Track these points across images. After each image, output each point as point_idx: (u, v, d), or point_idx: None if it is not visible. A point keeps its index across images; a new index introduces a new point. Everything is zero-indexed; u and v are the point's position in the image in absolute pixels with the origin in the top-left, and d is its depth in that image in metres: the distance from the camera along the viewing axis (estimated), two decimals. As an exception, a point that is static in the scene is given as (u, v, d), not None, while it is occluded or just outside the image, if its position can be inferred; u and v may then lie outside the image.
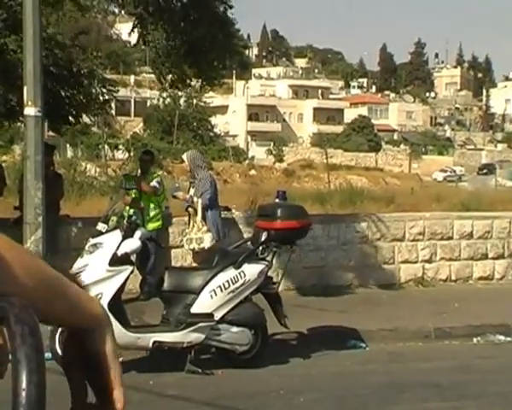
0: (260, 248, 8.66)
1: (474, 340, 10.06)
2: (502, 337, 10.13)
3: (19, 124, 16.40)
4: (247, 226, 12.01)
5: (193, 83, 14.53)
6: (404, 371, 8.61)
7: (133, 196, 11.56)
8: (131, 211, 10.74)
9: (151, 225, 11.44)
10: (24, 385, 0.96)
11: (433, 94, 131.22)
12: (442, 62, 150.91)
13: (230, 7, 13.20)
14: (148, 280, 10.71)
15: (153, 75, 14.56)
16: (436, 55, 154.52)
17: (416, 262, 13.51)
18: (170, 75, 14.13)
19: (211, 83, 14.80)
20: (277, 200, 9.46)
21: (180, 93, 47.82)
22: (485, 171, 68.51)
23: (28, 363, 0.98)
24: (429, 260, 13.58)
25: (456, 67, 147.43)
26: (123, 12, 14.18)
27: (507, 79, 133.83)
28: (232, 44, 14.35)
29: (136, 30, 13.24)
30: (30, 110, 9.23)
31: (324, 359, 8.95)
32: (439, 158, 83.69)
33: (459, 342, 9.94)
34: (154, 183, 11.83)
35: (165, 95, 63.98)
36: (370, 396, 7.74)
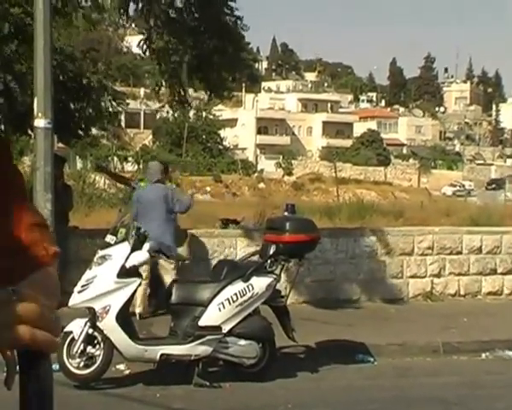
0: (269, 261, 8.64)
1: (483, 355, 10.01)
2: (511, 353, 10.08)
3: (27, 136, 16.46)
4: (255, 239, 12.00)
5: (195, 98, 14.56)
6: (412, 386, 8.58)
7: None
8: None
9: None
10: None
11: (442, 109, 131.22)
12: (452, 77, 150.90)
13: (240, 19, 13.21)
14: (157, 293, 10.70)
15: (163, 88, 14.54)
16: (446, 70, 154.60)
17: (424, 277, 13.47)
18: (165, 89, 14.15)
19: (220, 96, 14.82)
20: (286, 213, 9.44)
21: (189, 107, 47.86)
22: (493, 186, 68.37)
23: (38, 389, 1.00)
24: (438, 275, 13.54)
25: (465, 81, 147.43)
26: (133, 25, 14.23)
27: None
28: (242, 58, 14.38)
29: (144, 43, 13.27)
30: (40, 122, 9.26)
31: (332, 373, 8.92)
32: (448, 173, 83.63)
33: (467, 357, 9.89)
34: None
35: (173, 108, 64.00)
36: (378, 411, 7.71)
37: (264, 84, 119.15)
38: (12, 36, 13.27)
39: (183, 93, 13.80)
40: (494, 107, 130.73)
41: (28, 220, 1.18)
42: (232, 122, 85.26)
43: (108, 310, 7.95)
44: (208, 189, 48.02)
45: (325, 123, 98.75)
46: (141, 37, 13.63)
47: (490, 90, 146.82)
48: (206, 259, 12.18)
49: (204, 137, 70.39)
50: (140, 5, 12.68)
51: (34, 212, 1.24)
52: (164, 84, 14.30)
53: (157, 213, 10.77)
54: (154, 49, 13.29)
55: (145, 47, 13.29)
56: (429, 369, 9.36)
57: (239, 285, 8.37)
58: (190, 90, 14.63)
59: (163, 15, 12.68)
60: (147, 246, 8.44)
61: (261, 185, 50.87)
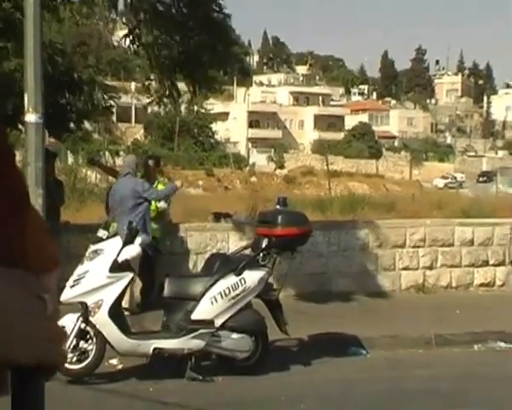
0: (261, 254, 8.65)
1: (475, 347, 10.04)
2: (503, 344, 10.12)
3: (17, 131, 16.41)
4: (247, 233, 12.00)
5: (187, 92, 14.51)
6: (405, 378, 8.59)
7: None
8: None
9: (152, 232, 11.42)
10: None
11: (433, 101, 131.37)
12: (443, 69, 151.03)
13: (228, 16, 13.18)
14: (149, 287, 10.70)
15: (153, 83, 14.50)
16: (437, 62, 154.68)
17: (416, 269, 13.50)
18: (156, 85, 14.13)
19: (209, 90, 14.79)
20: (278, 206, 9.43)
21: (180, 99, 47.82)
22: (484, 179, 68.52)
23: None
24: (430, 267, 13.56)
25: (456, 73, 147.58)
26: (124, 19, 14.19)
27: (508, 86, 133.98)
28: (231, 53, 14.34)
29: (133, 38, 13.22)
30: (31, 117, 9.23)
31: (325, 366, 8.94)
32: (439, 165, 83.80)
33: (460, 349, 9.92)
34: (162, 204, 11.69)
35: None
36: (371, 403, 7.73)
37: (256, 78, 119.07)
38: (1, 32, 13.22)
39: (172, 88, 13.77)
40: (485, 99, 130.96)
41: (32, 226, 1.16)
42: (224, 116, 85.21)
43: (101, 305, 7.94)
44: (200, 183, 48.02)
45: (317, 116, 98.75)
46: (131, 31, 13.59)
47: (481, 82, 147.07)
48: (198, 252, 12.18)
49: (196, 130, 70.35)
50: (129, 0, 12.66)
51: (37, 217, 1.22)
52: (153, 78, 14.27)
53: (127, 205, 10.79)
54: (143, 44, 13.26)
55: (133, 41, 13.25)
56: (422, 361, 9.38)
57: (231, 279, 8.37)
58: (181, 85, 14.58)
59: (151, 10, 12.65)
60: (139, 240, 8.44)
61: (253, 179, 50.87)
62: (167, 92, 13.79)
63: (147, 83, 15.03)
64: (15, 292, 0.94)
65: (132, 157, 12.46)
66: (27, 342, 0.96)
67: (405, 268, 13.44)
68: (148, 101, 16.63)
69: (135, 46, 13.27)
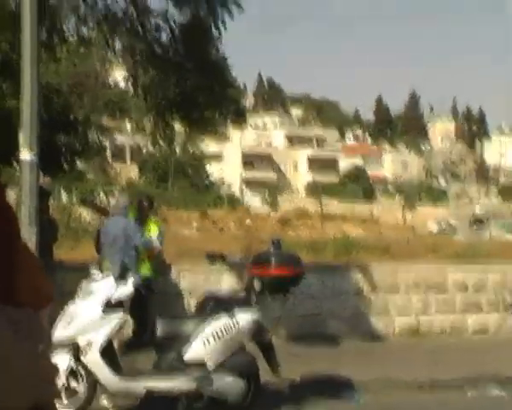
0: (254, 296, 8.62)
1: (469, 394, 9.98)
2: (497, 391, 10.07)
3: (11, 168, 16.44)
4: (241, 274, 11.97)
5: (181, 133, 14.57)
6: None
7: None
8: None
9: (145, 272, 11.39)
10: None
11: (428, 147, 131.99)
12: (438, 116, 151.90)
13: (225, 58, 13.28)
14: (142, 327, 10.64)
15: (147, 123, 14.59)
16: (431, 109, 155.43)
17: (410, 314, 13.46)
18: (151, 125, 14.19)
19: (204, 131, 14.87)
20: (272, 248, 9.42)
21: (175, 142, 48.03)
22: (475, 227, 68.06)
23: None
24: (424, 312, 13.52)
25: (450, 120, 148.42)
26: (120, 60, 14.28)
27: (501, 131, 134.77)
28: (227, 95, 14.42)
29: (129, 79, 13.31)
30: (26, 155, 9.25)
31: (317, 408, 8.87)
32: (433, 210, 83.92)
33: (454, 393, 9.86)
34: (157, 244, 11.73)
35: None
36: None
37: (251, 121, 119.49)
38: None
39: (167, 128, 13.83)
40: (479, 144, 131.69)
41: (24, 262, 1.15)
42: (218, 157, 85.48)
43: (92, 344, 7.89)
44: (195, 224, 47.96)
45: (311, 159, 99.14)
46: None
47: (474, 127, 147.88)
48: (191, 292, 12.14)
49: (190, 171, 70.49)
50: (125, 40, 12.74)
51: (29, 253, 1.21)
52: (150, 119, 14.34)
53: (119, 244, 10.85)
54: (140, 84, 13.33)
55: (130, 82, 13.33)
56: (416, 405, 9.32)
57: (224, 320, 8.33)
58: (176, 126, 14.64)
59: (148, 51, 12.74)
60: (131, 280, 8.40)
61: (248, 221, 50.88)
62: (162, 133, 13.85)
63: (141, 124, 15.13)
64: (3, 335, 0.92)
65: (124, 197, 12.52)
66: (22, 386, 0.93)
67: (399, 313, 13.40)
68: (143, 141, 16.71)
69: (132, 86, 13.35)
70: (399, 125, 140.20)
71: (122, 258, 10.77)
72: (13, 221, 1.14)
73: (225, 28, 12.81)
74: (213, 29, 12.84)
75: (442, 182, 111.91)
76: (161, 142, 14.42)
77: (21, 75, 9.34)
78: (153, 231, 11.77)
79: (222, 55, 13.21)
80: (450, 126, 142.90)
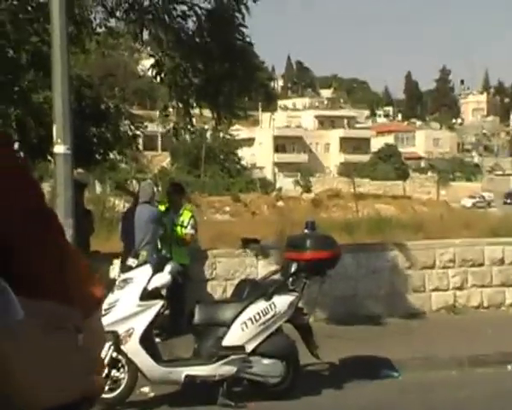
0: (290, 279, 8.66)
1: (509, 367, 9.95)
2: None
3: (46, 162, 16.60)
4: (276, 258, 12.00)
5: (212, 119, 14.58)
6: (438, 400, 8.53)
7: (163, 230, 11.59)
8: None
9: (180, 260, 11.46)
10: None
11: (459, 120, 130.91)
12: (468, 89, 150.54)
13: (251, 44, 13.27)
14: (179, 315, 10.72)
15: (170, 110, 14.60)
16: (462, 82, 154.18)
17: (446, 290, 13.42)
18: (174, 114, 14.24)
19: (233, 117, 14.86)
20: (306, 230, 9.43)
21: (206, 126, 48.10)
22: (509, 201, 67.30)
23: None
24: (460, 288, 13.48)
25: (482, 92, 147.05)
26: (148, 48, 14.33)
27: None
28: (254, 79, 14.41)
29: (155, 67, 13.35)
30: (59, 148, 9.33)
31: (357, 389, 8.89)
32: (467, 184, 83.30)
33: (493, 369, 9.83)
34: (190, 230, 11.76)
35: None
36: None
37: (281, 103, 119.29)
38: (29, 65, 13.40)
39: (188, 117, 13.87)
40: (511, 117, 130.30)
41: (79, 260, 1.15)
42: (249, 141, 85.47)
43: (132, 333, 7.97)
44: (227, 208, 48.07)
45: (342, 139, 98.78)
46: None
47: (507, 100, 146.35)
48: (227, 278, 12.20)
49: (222, 157, 70.58)
50: (153, 29, 12.77)
51: (74, 251, 1.22)
52: (172, 106, 14.37)
53: (141, 233, 10.91)
54: (167, 72, 13.37)
55: (158, 70, 13.37)
56: (455, 382, 9.31)
57: (261, 304, 8.38)
58: (207, 111, 14.67)
59: (174, 39, 12.76)
60: (168, 268, 8.46)
61: (280, 203, 50.83)
62: (184, 121, 13.90)
63: (164, 112, 15.16)
64: (33, 328, 0.92)
65: (148, 185, 12.57)
66: (63, 380, 0.95)
67: (435, 289, 13.36)
68: (166, 129, 16.79)
69: (159, 75, 13.39)
70: (430, 101, 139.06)
71: (151, 246, 10.86)
72: (53, 225, 1.14)
73: (249, 12, 12.80)
74: (238, 14, 12.83)
75: (475, 156, 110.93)
76: (183, 131, 14.45)
77: (52, 67, 9.41)
78: (185, 218, 11.81)
79: (247, 39, 13.20)
80: (482, 100, 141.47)
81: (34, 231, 1.06)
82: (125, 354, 7.99)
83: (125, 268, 8.58)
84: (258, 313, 8.32)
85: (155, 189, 11.96)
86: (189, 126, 14.07)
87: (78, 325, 0.98)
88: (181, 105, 13.69)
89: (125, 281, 8.24)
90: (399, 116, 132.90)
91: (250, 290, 8.57)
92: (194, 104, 13.92)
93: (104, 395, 7.81)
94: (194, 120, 14.30)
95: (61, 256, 1.08)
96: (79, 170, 14.15)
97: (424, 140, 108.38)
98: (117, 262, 10.97)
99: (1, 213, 1.02)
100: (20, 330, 0.90)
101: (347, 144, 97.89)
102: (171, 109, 14.53)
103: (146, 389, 8.53)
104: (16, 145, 14.19)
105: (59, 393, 0.94)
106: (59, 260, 1.07)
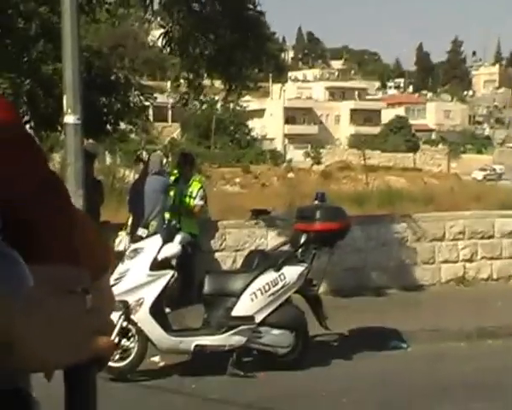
0: (300, 250, 8.67)
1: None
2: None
3: (56, 132, 16.62)
4: (286, 229, 12.01)
5: (222, 90, 14.56)
6: (446, 371, 8.56)
7: (172, 201, 11.62)
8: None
9: (189, 230, 11.48)
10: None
11: (471, 92, 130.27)
12: (480, 60, 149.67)
13: (262, 13, 13.22)
14: (189, 285, 10.76)
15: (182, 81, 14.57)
16: (474, 53, 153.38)
17: (456, 262, 13.42)
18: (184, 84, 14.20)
19: (244, 87, 14.83)
20: (316, 202, 9.43)
21: (216, 97, 48.03)
22: None
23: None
24: (470, 260, 13.48)
25: (494, 64, 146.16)
26: (159, 18, 14.28)
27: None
28: (265, 50, 14.37)
29: (166, 36, 13.32)
30: (69, 118, 9.33)
31: (366, 360, 8.93)
32: (478, 157, 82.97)
33: (502, 341, 9.84)
34: (198, 201, 11.77)
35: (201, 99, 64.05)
36: (414, 397, 7.72)
37: (291, 74, 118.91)
38: (38, 36, 13.37)
39: (199, 87, 13.85)
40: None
41: (87, 224, 1.16)
42: (260, 113, 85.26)
43: (142, 303, 8.01)
44: (237, 180, 48.06)
45: (353, 111, 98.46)
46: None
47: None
48: (237, 249, 12.23)
49: (232, 128, 70.47)
50: (163, -1, 12.74)
51: (84, 216, 1.23)
52: (183, 77, 14.35)
53: (151, 204, 10.97)
54: (177, 42, 13.34)
55: (168, 40, 13.34)
56: (464, 354, 9.34)
57: (271, 275, 8.41)
58: (217, 83, 14.67)
59: (185, 8, 12.72)
60: (178, 238, 8.49)
61: (290, 175, 50.80)
62: (194, 93, 13.89)
63: (175, 83, 15.13)
64: (44, 294, 0.93)
65: (157, 156, 12.62)
66: (74, 343, 0.95)
67: (445, 261, 13.36)
68: (176, 100, 16.75)
69: (169, 45, 13.36)
70: (441, 73, 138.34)
71: (161, 216, 10.92)
72: (62, 191, 1.15)
73: None
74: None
75: (486, 128, 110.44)
76: (195, 101, 14.44)
77: (62, 38, 9.39)
78: (194, 189, 11.83)
79: (259, 10, 13.15)
80: (494, 72, 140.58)
81: (46, 200, 1.07)
82: (135, 324, 8.04)
83: (135, 238, 8.61)
84: (268, 284, 8.35)
85: (165, 160, 12.00)
86: (200, 97, 14.06)
87: (87, 286, 0.99)
88: (191, 75, 13.68)
89: (136, 251, 8.28)
90: (410, 88, 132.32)
91: (260, 261, 8.60)
92: (205, 75, 13.90)
93: (114, 364, 7.88)
94: (204, 90, 14.29)
95: (69, 221, 1.08)
96: (90, 140, 14.15)
97: (435, 112, 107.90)
98: (122, 234, 11.02)
99: (14, 184, 1.03)
100: (30, 296, 0.91)
101: (358, 116, 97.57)
102: (182, 80, 14.50)
103: (156, 359, 8.59)
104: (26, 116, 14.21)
105: (69, 355, 0.95)
106: (68, 224, 1.07)
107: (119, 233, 10.99)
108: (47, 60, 13.61)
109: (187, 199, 11.72)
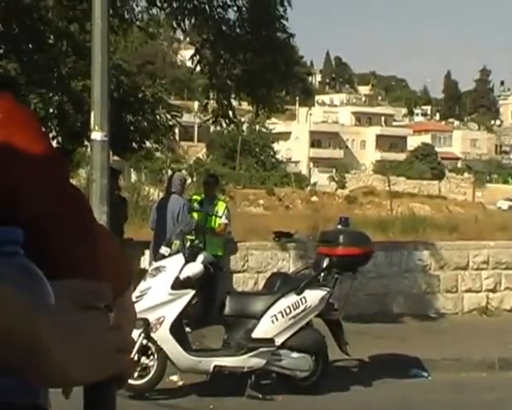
0: (322, 274, 8.64)
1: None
2: None
3: (83, 148, 16.75)
4: (308, 252, 11.99)
5: (249, 112, 14.64)
6: (467, 402, 8.48)
7: (196, 219, 11.64)
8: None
9: (214, 250, 11.48)
10: None
11: (498, 122, 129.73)
12: (508, 90, 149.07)
13: (292, 36, 13.28)
14: (210, 305, 10.75)
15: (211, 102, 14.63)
16: (502, 83, 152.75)
17: (479, 291, 13.32)
18: (213, 103, 14.26)
19: (271, 110, 14.88)
20: (340, 226, 9.41)
21: (242, 119, 48.15)
22: None
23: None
24: (493, 290, 13.37)
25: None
26: (188, 39, 14.38)
27: None
28: (293, 73, 14.41)
29: (196, 57, 13.40)
30: (96, 135, 9.37)
31: (386, 387, 8.86)
32: (503, 187, 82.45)
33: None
34: (224, 219, 11.81)
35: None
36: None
37: (318, 98, 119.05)
38: (69, 53, 13.50)
39: (229, 108, 13.90)
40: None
41: (110, 241, 1.16)
42: (285, 135, 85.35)
43: (162, 321, 8.01)
44: (261, 201, 48.10)
45: (379, 136, 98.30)
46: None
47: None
48: (259, 271, 12.22)
49: (257, 150, 70.56)
50: (194, 19, 12.81)
51: (106, 231, 1.23)
52: (212, 97, 14.41)
53: (169, 222, 11.01)
54: (206, 63, 13.42)
55: (196, 61, 13.42)
56: (485, 385, 9.24)
57: (292, 298, 8.38)
58: (244, 104, 14.72)
59: (215, 30, 12.80)
60: (201, 258, 8.49)
61: (314, 198, 50.77)
62: (223, 112, 13.93)
63: (204, 102, 15.21)
64: (64, 309, 0.93)
65: (178, 175, 12.71)
66: (95, 359, 0.96)
67: (468, 290, 13.27)
68: (204, 119, 16.81)
69: (199, 65, 13.44)
70: (469, 102, 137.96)
71: (184, 235, 10.96)
72: (85, 208, 1.15)
73: (290, 5, 12.80)
74: (279, 6, 12.84)
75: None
76: (222, 121, 14.48)
77: (91, 55, 9.46)
78: (220, 209, 11.86)
79: (288, 32, 13.21)
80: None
81: (69, 216, 1.07)
82: (154, 342, 8.04)
83: (157, 257, 8.63)
84: (289, 307, 8.33)
85: (189, 180, 12.06)
86: (230, 115, 14.09)
87: (109, 303, 0.99)
88: (221, 96, 13.74)
89: (158, 269, 8.29)
90: (437, 116, 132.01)
91: (281, 284, 8.58)
92: (233, 96, 13.96)
93: (133, 382, 7.87)
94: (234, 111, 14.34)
95: (92, 236, 1.08)
96: (115, 158, 14.23)
97: (461, 140, 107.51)
98: (148, 252, 11.07)
99: (43, 200, 1.03)
100: (53, 310, 0.91)
101: (384, 142, 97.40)
102: (211, 100, 14.56)
103: (175, 378, 8.57)
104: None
105: (90, 371, 0.95)
106: (90, 240, 1.08)
107: (146, 252, 11.03)
108: (77, 76, 13.74)
109: (212, 218, 11.75)
